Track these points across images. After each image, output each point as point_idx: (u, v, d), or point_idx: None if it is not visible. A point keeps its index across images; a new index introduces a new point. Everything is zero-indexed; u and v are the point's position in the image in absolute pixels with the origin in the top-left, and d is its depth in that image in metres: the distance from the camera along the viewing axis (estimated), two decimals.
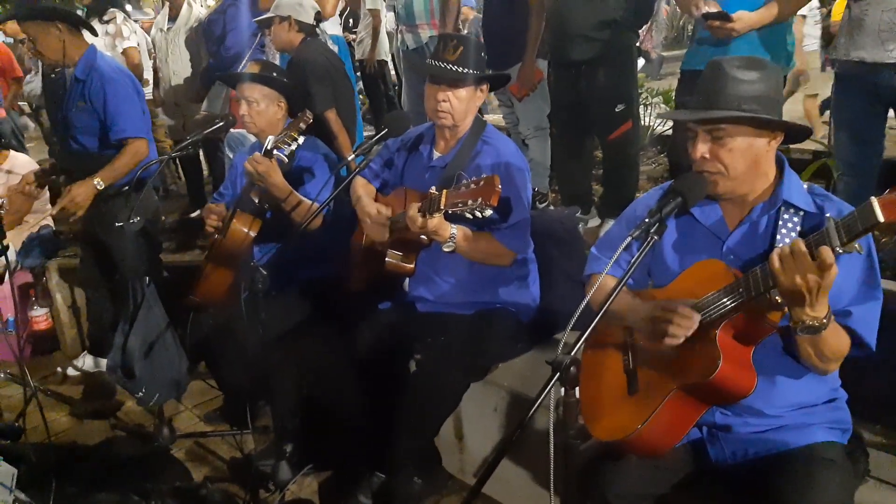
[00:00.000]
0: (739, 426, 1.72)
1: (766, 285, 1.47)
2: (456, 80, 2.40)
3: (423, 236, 2.32)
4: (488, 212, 2.02)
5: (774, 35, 2.82)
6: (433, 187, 2.19)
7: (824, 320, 1.44)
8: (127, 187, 3.17)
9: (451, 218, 2.20)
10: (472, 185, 2.04)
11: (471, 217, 2.06)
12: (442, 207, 2.10)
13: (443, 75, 2.40)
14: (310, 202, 2.68)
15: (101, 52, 3.33)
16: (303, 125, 2.57)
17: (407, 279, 2.59)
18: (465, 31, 6.83)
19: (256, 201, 2.73)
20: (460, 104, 2.43)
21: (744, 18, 2.73)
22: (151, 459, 2.77)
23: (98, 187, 3.13)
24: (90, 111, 3.20)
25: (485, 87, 2.51)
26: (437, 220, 2.18)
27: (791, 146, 3.14)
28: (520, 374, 2.52)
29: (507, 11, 3.80)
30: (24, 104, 7.28)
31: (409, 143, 2.67)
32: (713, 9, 2.76)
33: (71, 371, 3.83)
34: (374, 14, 5.91)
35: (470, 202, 2.01)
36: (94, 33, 3.33)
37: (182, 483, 2.54)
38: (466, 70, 2.39)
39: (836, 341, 1.53)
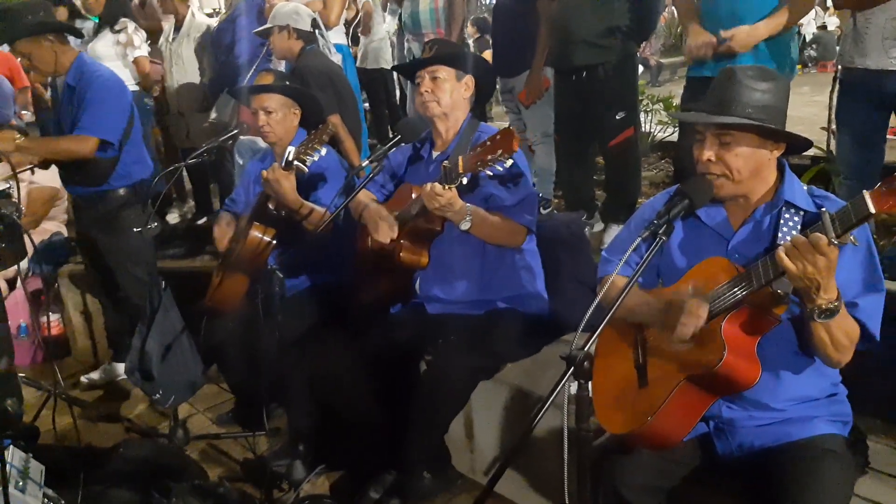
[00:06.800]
0: (745, 420, 1.78)
1: (767, 277, 1.55)
2: (431, 68, 2.55)
3: (436, 225, 2.39)
4: (510, 162, 2.09)
5: (779, 44, 2.89)
6: (435, 178, 2.26)
7: (837, 302, 1.51)
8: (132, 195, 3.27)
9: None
10: (489, 142, 2.12)
11: (490, 173, 2.15)
12: (461, 171, 2.17)
13: (418, 65, 2.61)
14: (322, 210, 2.75)
15: (91, 59, 3.37)
16: (325, 137, 2.63)
17: (418, 280, 2.66)
18: None
19: (272, 209, 2.79)
20: (442, 92, 2.55)
21: (741, 38, 2.81)
22: (167, 460, 2.80)
23: (17, 141, 3.10)
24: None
25: (468, 79, 2.60)
26: (454, 193, 2.25)
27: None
28: (529, 372, 2.57)
29: (515, 21, 3.88)
30: (26, 112, 7.35)
31: (410, 150, 2.77)
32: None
33: (93, 376, 3.86)
34: None
35: (490, 157, 2.09)
36: (81, 37, 3.38)
37: (200, 482, 2.58)
38: (436, 56, 2.56)
39: (848, 326, 1.60)
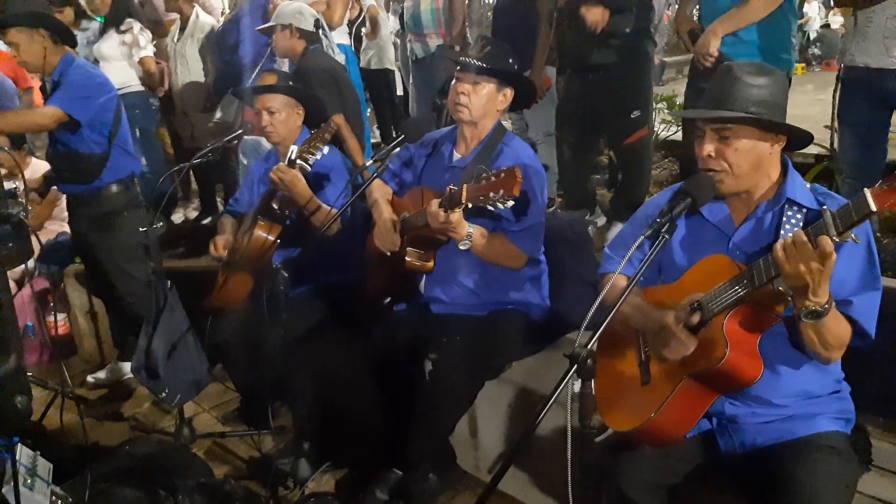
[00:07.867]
0: (748, 416, 1.79)
1: (768, 275, 1.55)
2: (477, 73, 2.49)
3: (440, 235, 2.38)
4: (510, 203, 2.05)
5: (780, 39, 2.90)
6: (452, 184, 2.24)
7: (826, 305, 1.51)
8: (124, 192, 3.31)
9: (469, 217, 2.28)
10: (493, 178, 2.08)
11: (492, 209, 2.10)
12: (463, 202, 2.15)
13: (465, 66, 2.52)
14: (328, 208, 2.76)
15: (78, 57, 3.36)
16: (327, 136, 2.64)
17: (423, 281, 2.66)
18: None
19: (276, 208, 2.81)
20: (478, 100, 2.51)
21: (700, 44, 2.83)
22: (173, 458, 2.83)
23: None
24: None
25: (507, 91, 2.57)
26: (457, 216, 2.23)
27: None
28: (533, 371, 2.59)
29: (516, 20, 3.88)
30: None
31: (430, 145, 2.74)
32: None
33: (99, 375, 3.89)
34: None
35: (492, 194, 2.05)
36: (75, 43, 3.39)
37: (206, 480, 2.60)
38: (488, 65, 2.49)
39: (838, 328, 1.61)
